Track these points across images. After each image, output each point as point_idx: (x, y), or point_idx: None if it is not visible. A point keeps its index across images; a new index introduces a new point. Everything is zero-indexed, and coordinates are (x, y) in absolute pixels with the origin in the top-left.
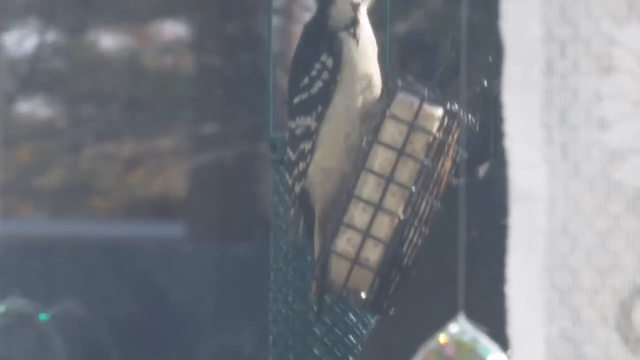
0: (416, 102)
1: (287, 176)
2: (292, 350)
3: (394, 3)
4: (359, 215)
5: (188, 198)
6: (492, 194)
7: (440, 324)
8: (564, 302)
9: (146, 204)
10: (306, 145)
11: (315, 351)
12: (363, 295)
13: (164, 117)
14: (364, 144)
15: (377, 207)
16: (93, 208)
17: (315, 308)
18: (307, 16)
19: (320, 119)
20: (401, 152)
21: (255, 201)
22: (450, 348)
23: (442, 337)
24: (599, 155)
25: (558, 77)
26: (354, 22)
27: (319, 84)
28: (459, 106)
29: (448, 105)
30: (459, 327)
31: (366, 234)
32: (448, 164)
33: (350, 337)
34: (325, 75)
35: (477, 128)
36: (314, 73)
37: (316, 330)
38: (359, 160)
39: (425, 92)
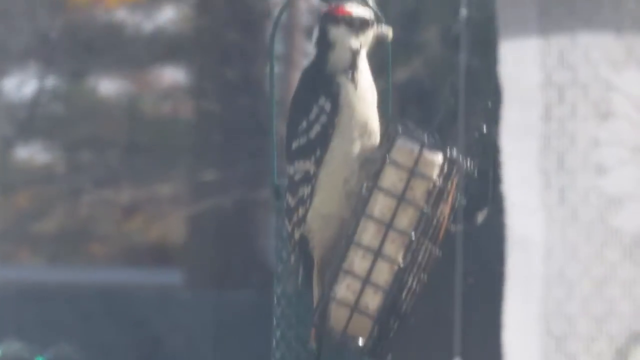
0: (416, 148)
1: (287, 222)
2: None
3: (393, 49)
4: (358, 261)
5: (186, 245)
6: (489, 240)
7: None
8: (560, 349)
9: (144, 250)
10: (305, 190)
11: None
12: (362, 342)
13: (163, 163)
14: (363, 190)
15: (377, 254)
16: (91, 254)
17: (316, 354)
18: (306, 62)
19: (319, 163)
20: (401, 199)
21: (253, 248)
22: None
23: None
24: (597, 201)
25: (556, 122)
26: (353, 66)
27: (317, 128)
28: (457, 152)
29: (448, 152)
30: None
31: (366, 280)
32: (447, 211)
33: None
34: (323, 119)
35: (476, 174)
36: (312, 117)
37: None
38: (358, 207)
39: (426, 138)
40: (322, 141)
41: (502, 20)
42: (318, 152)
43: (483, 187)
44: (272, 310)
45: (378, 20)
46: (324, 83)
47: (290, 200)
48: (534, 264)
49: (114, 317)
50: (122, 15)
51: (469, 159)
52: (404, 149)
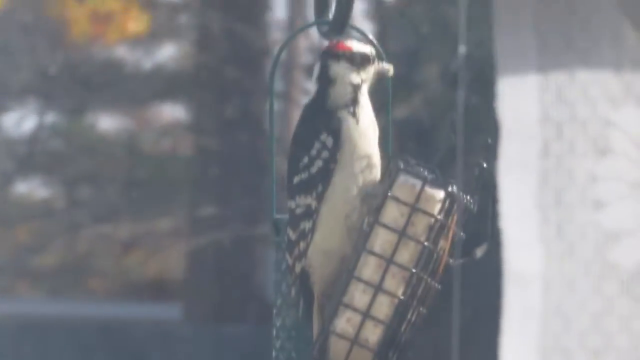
0: (418, 184)
1: (288, 256)
2: None
3: (393, 86)
4: (359, 296)
5: (185, 279)
6: (486, 275)
7: None
8: None
9: (143, 285)
10: (306, 225)
11: None
12: None
13: (162, 199)
14: (364, 225)
15: (378, 288)
16: (90, 288)
17: None
18: (307, 99)
19: (320, 198)
20: (403, 234)
21: (251, 283)
22: None
23: None
24: (594, 236)
25: (554, 158)
26: (354, 101)
27: (319, 163)
28: (457, 188)
29: (449, 188)
30: None
31: (366, 314)
32: (446, 245)
33: None
34: (325, 154)
35: (475, 210)
36: (313, 152)
37: None
38: (359, 242)
39: (427, 174)
40: (324, 176)
41: (500, 56)
42: (320, 187)
43: (482, 223)
44: (271, 344)
45: (379, 56)
46: (325, 118)
47: (292, 234)
48: (532, 298)
49: (113, 351)
50: (121, 52)
51: (468, 195)
52: (405, 185)
